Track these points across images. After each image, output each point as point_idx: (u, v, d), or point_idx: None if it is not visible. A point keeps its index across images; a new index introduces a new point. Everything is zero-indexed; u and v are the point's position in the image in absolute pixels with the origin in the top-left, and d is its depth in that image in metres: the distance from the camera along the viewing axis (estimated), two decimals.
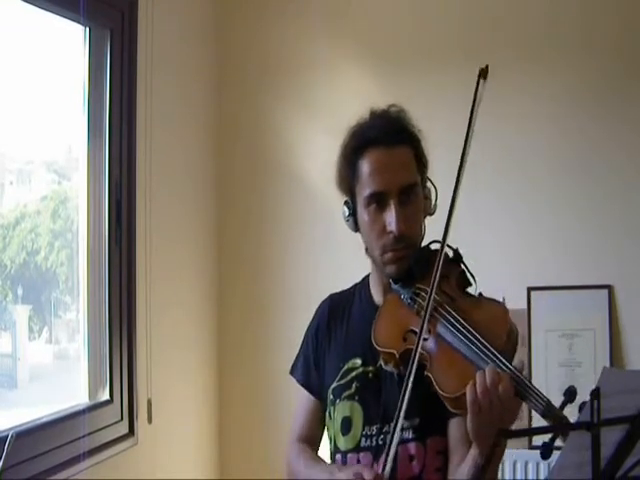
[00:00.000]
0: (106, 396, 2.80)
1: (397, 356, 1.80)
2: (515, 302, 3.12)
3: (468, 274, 1.88)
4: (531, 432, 1.70)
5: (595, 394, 1.24)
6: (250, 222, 3.66)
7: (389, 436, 1.81)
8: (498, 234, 3.34)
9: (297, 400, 2.09)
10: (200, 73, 3.55)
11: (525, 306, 3.27)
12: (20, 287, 2.68)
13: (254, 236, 3.65)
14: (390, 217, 1.83)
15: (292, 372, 2.11)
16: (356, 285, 2.08)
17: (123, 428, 2.86)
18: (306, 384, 2.05)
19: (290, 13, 3.61)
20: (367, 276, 2.05)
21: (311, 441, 2.05)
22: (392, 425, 1.75)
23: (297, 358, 2.10)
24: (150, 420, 3.00)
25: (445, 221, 1.79)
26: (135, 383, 2.90)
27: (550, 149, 3.36)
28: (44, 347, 2.89)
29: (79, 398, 2.75)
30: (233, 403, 3.65)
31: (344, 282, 2.10)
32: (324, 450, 2.04)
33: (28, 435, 2.33)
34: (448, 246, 1.89)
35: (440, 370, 1.73)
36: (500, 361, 1.66)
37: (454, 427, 1.85)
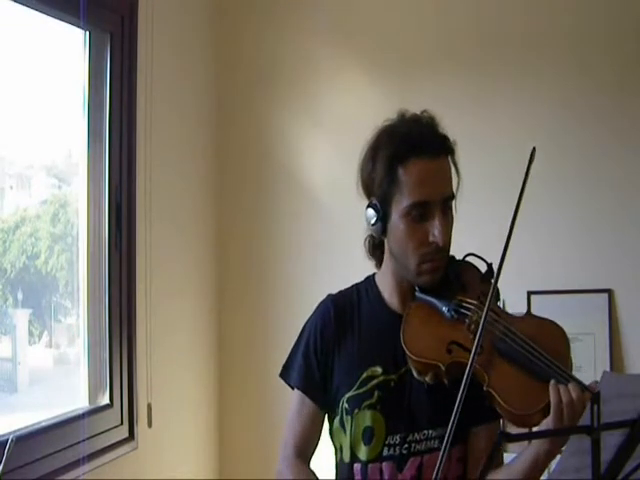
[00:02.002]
0: (106, 400, 2.80)
1: (443, 369, 1.75)
2: (515, 306, 3.12)
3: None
4: (533, 436, 1.69)
5: (595, 398, 1.24)
6: (251, 225, 3.65)
7: (414, 444, 1.83)
8: (498, 238, 3.34)
9: (292, 406, 1.99)
10: (201, 77, 3.55)
11: (525, 310, 3.27)
12: (20, 291, 2.68)
13: (255, 239, 3.65)
14: (435, 228, 1.79)
15: (285, 376, 2.01)
16: (357, 286, 2.01)
17: (123, 432, 2.86)
18: (306, 389, 1.95)
19: (293, 18, 3.61)
20: (372, 278, 2.00)
21: (307, 452, 1.96)
22: (418, 434, 1.83)
23: (292, 361, 2.00)
24: (150, 424, 3.00)
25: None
26: (135, 387, 2.90)
27: (551, 152, 3.36)
28: (44, 351, 2.89)
29: (79, 402, 2.75)
30: (233, 408, 3.64)
31: (344, 283, 2.06)
32: (322, 460, 2.01)
33: (28, 439, 2.32)
34: (482, 260, 1.90)
35: (505, 387, 1.70)
36: (579, 382, 1.65)
37: (480, 437, 1.85)
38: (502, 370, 1.72)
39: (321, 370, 1.94)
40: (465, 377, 1.65)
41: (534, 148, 1.76)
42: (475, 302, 1.82)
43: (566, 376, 1.67)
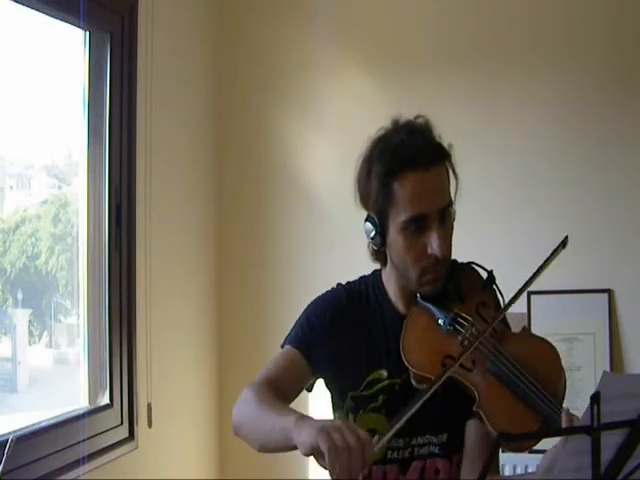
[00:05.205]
0: (106, 400, 2.80)
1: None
2: (515, 306, 3.11)
3: (500, 298, 1.86)
4: (531, 437, 1.68)
5: (595, 398, 1.24)
6: (251, 226, 3.66)
7: (417, 448, 1.82)
8: (498, 238, 3.35)
9: (274, 356, 1.89)
10: (201, 77, 3.55)
11: (525, 310, 3.27)
12: (20, 291, 2.68)
13: (255, 239, 3.65)
14: (433, 240, 1.76)
15: (284, 343, 1.91)
16: (365, 281, 1.96)
17: (123, 432, 2.86)
18: (297, 343, 1.87)
19: (293, 18, 3.61)
20: (379, 274, 1.95)
21: (279, 387, 1.82)
22: (421, 438, 1.80)
23: (293, 330, 1.93)
24: (150, 424, 3.00)
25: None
26: (135, 387, 2.90)
27: (552, 152, 3.36)
28: (44, 351, 2.89)
29: (79, 402, 2.75)
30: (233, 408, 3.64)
31: (343, 282, 2.05)
32: None
33: (28, 439, 2.32)
34: (482, 268, 1.89)
35: (494, 409, 1.69)
36: (567, 411, 1.64)
37: (472, 430, 1.82)
38: (493, 391, 1.72)
39: (322, 335, 1.87)
40: (433, 388, 1.63)
41: (566, 237, 1.79)
42: (470, 319, 1.81)
43: (552, 407, 1.67)
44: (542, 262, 1.79)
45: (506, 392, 1.72)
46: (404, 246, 1.79)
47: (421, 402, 1.60)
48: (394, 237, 1.80)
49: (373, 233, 1.83)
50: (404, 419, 1.58)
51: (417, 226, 1.77)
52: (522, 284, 1.79)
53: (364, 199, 1.85)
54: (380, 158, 1.79)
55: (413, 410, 1.58)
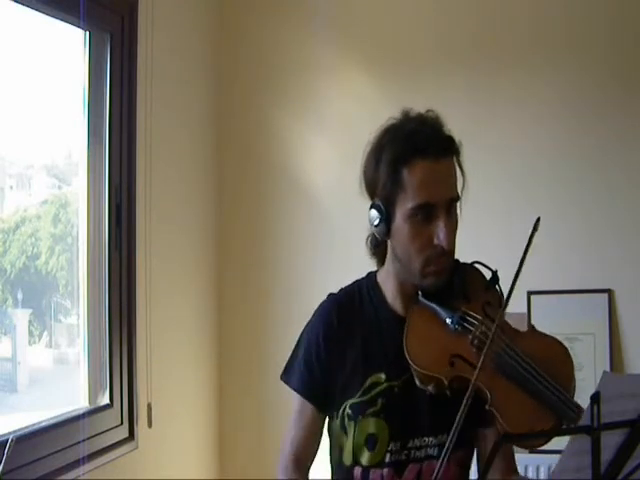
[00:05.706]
0: (106, 400, 2.80)
1: (446, 383, 1.73)
2: (515, 306, 3.11)
3: (503, 299, 1.85)
4: (533, 437, 1.68)
5: (595, 398, 1.24)
6: (251, 226, 3.65)
7: (414, 451, 1.82)
8: (498, 238, 3.35)
9: (293, 410, 1.95)
10: (201, 77, 3.55)
11: (525, 310, 3.27)
12: (20, 291, 2.68)
13: (255, 239, 3.65)
14: (439, 230, 1.76)
15: (286, 379, 1.97)
16: (359, 284, 1.96)
17: (123, 432, 2.86)
18: (307, 395, 1.92)
19: (293, 18, 3.61)
20: (373, 276, 1.95)
21: (306, 459, 1.94)
22: (418, 440, 1.81)
23: (293, 364, 1.96)
24: (150, 424, 3.00)
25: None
26: (135, 387, 2.90)
27: (552, 152, 3.36)
28: (44, 351, 2.89)
29: (79, 402, 2.75)
30: (233, 408, 3.64)
31: (343, 283, 2.03)
32: (321, 463, 2.00)
33: (28, 439, 2.32)
34: (487, 267, 1.88)
35: (507, 407, 1.68)
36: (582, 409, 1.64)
37: (488, 439, 1.83)
38: (505, 389, 1.70)
39: (323, 375, 1.90)
40: (466, 397, 1.62)
41: (538, 218, 1.79)
42: (479, 317, 1.80)
43: (568, 403, 1.67)
44: (524, 249, 1.81)
45: (519, 390, 1.71)
46: (410, 234, 1.78)
47: (458, 422, 1.60)
48: (400, 225, 1.79)
49: (378, 220, 1.81)
50: (450, 446, 1.59)
51: (424, 215, 1.76)
52: (520, 276, 1.79)
53: (371, 186, 1.84)
54: (392, 144, 1.79)
55: (454, 433, 1.59)
